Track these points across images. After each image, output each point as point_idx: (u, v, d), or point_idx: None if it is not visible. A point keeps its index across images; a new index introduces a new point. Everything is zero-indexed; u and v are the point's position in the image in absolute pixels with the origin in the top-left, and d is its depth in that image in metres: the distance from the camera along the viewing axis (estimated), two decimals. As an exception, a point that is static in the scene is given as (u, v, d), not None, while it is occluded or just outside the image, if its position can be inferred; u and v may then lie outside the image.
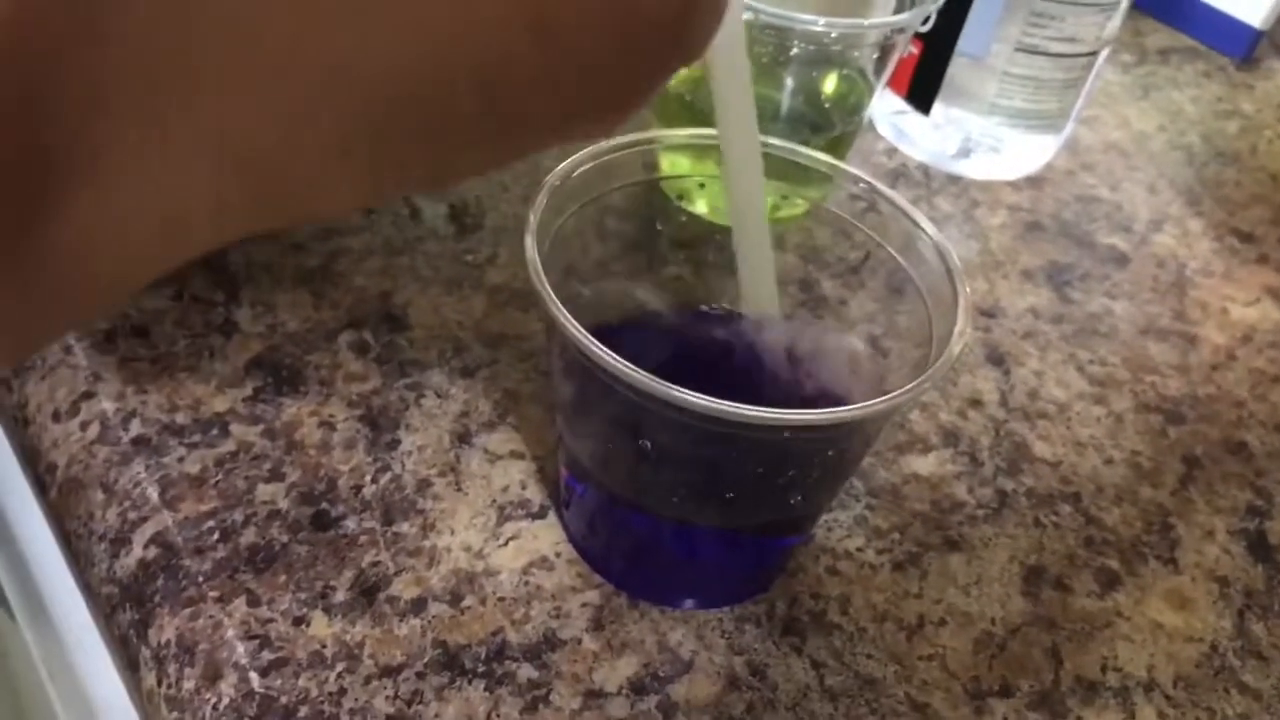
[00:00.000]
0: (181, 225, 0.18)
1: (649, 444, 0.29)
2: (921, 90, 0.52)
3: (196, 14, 0.16)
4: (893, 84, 0.53)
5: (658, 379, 0.25)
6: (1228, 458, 0.41)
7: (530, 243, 0.29)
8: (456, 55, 0.18)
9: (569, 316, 0.27)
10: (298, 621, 0.31)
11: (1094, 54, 0.50)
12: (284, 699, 0.29)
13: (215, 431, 0.35)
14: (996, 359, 0.44)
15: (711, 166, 0.36)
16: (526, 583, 0.33)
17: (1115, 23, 0.49)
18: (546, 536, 0.34)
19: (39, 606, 0.50)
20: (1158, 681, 0.34)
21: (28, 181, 0.16)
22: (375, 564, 0.33)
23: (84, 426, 0.35)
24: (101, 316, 0.37)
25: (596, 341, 0.26)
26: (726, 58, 0.28)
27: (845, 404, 0.32)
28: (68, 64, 0.15)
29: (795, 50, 0.44)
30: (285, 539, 0.33)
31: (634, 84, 0.21)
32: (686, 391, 0.25)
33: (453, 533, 0.34)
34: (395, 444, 0.36)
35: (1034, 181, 0.54)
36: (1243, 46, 0.66)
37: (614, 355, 0.26)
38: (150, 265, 0.19)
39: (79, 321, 0.20)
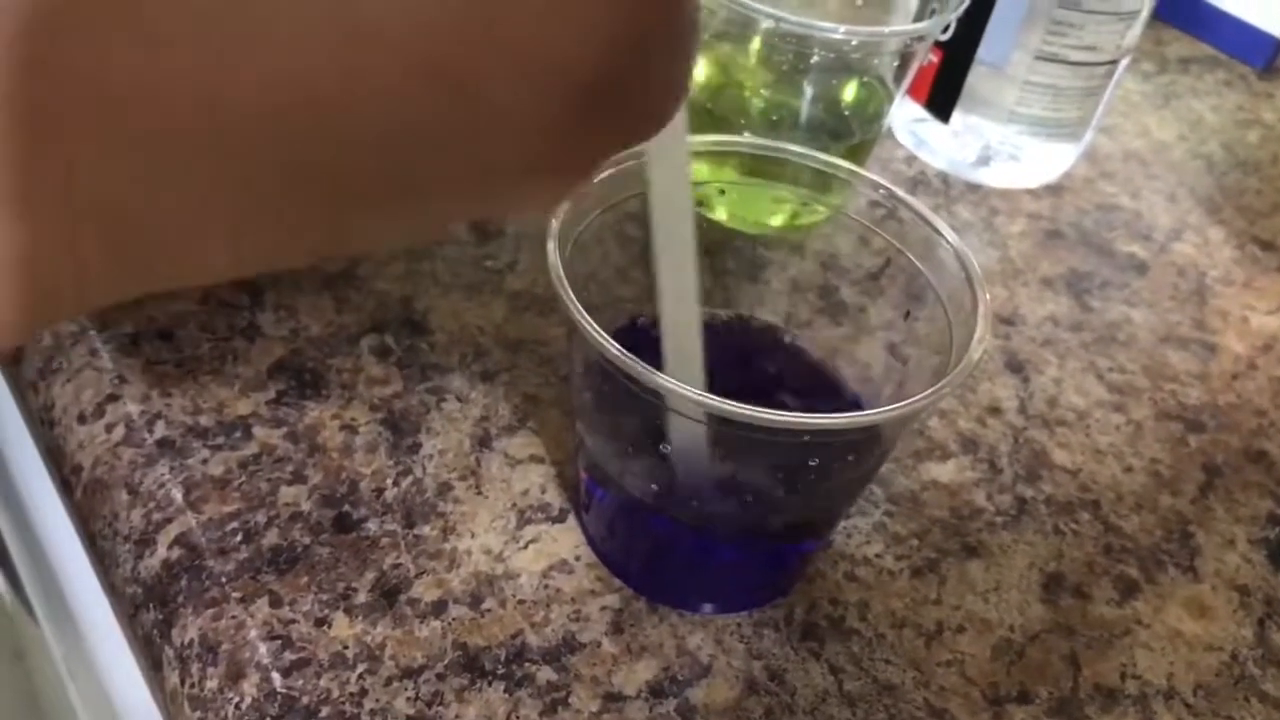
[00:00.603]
0: (39, 286, 0.16)
1: (669, 448, 0.30)
2: (941, 98, 0.52)
3: (39, 51, 0.14)
4: (912, 92, 0.53)
5: (678, 382, 0.26)
6: (1248, 466, 0.41)
7: (552, 247, 0.29)
8: (347, 106, 0.16)
9: (590, 321, 0.27)
10: (319, 622, 0.31)
11: (1114, 63, 0.50)
12: (306, 699, 0.30)
13: (239, 434, 0.36)
14: (1016, 366, 0.44)
15: (730, 173, 0.36)
16: (546, 586, 0.33)
17: (1135, 31, 0.49)
18: (566, 540, 0.34)
19: (62, 607, 0.50)
20: (1177, 690, 0.34)
21: None
22: (396, 566, 0.33)
23: (109, 428, 0.36)
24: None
25: (618, 345, 0.26)
26: (668, 159, 0.26)
27: (865, 409, 0.32)
28: None
29: (815, 58, 0.44)
30: (307, 541, 0.33)
31: (569, 153, 0.19)
32: (707, 395, 0.25)
33: (473, 536, 0.34)
34: (416, 447, 0.36)
35: (1053, 190, 0.54)
36: (1264, 56, 0.66)
37: (635, 359, 0.26)
38: (13, 330, 0.17)
39: None
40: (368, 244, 0.20)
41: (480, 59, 0.17)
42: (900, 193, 0.33)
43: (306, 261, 0.18)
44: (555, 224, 0.29)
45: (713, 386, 0.26)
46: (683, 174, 0.27)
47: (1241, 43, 0.67)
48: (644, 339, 0.32)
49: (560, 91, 0.18)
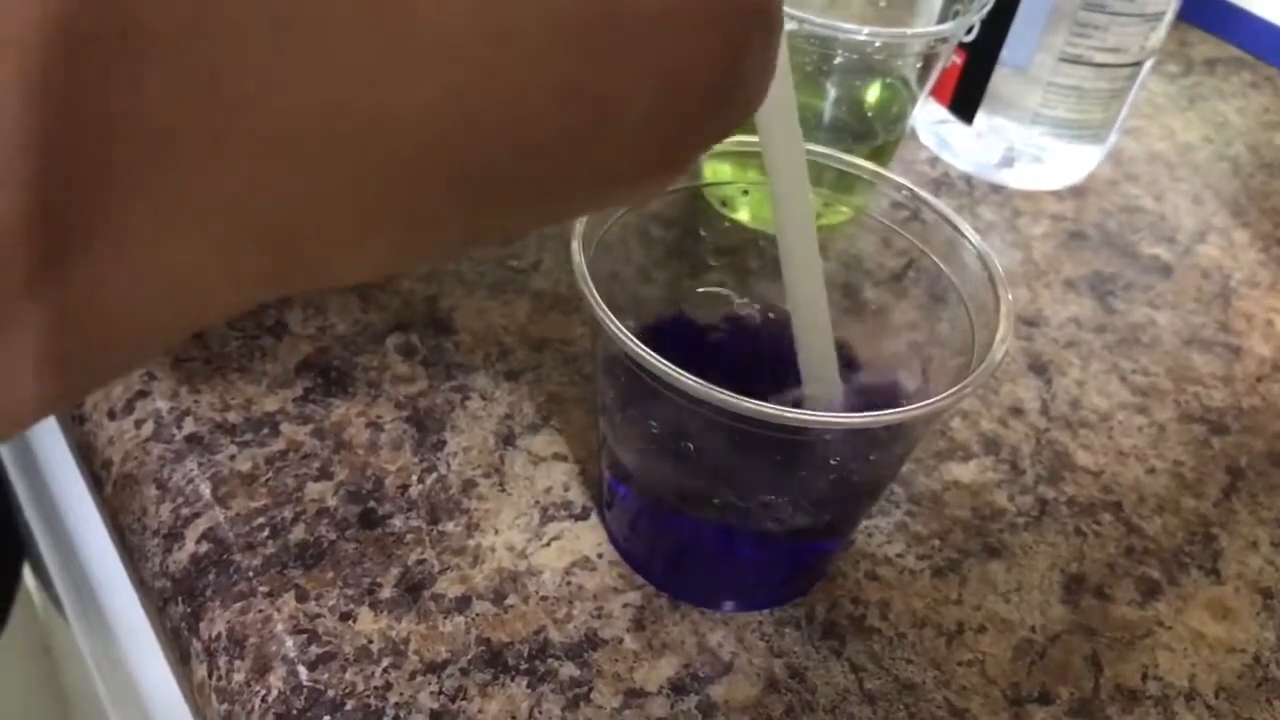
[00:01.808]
0: (196, 291, 0.17)
1: (691, 446, 0.30)
2: (965, 100, 0.52)
3: (214, 71, 0.15)
4: (936, 93, 0.53)
5: (701, 381, 0.26)
6: (1272, 469, 0.41)
7: (577, 247, 0.29)
8: (493, 118, 0.17)
9: (614, 320, 0.27)
10: (345, 617, 0.32)
11: (1138, 64, 0.50)
12: (331, 692, 0.30)
13: (266, 430, 0.36)
14: (1039, 368, 0.44)
15: (754, 173, 0.36)
16: (569, 583, 0.33)
17: (1160, 33, 0.49)
18: (589, 537, 0.35)
19: (91, 601, 0.51)
20: (1199, 691, 0.34)
21: (34, 240, 0.14)
22: (421, 562, 0.33)
23: (138, 424, 0.36)
24: (117, 380, 0.37)
25: (641, 344, 0.27)
26: (777, 120, 0.27)
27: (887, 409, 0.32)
28: (84, 110, 0.14)
29: (839, 59, 0.44)
30: (333, 536, 0.34)
31: (679, 146, 0.20)
32: (730, 394, 0.26)
33: (496, 532, 0.34)
34: (441, 445, 0.37)
35: (1077, 191, 0.54)
36: (1290, 57, 0.66)
37: (658, 357, 0.26)
38: (165, 330, 0.17)
39: (91, 386, 0.18)
40: (492, 239, 0.21)
41: (610, 70, 0.18)
42: (923, 193, 0.33)
43: (443, 261, 0.19)
44: (579, 225, 0.30)
45: (734, 383, 0.26)
46: (794, 123, 0.28)
47: (1268, 44, 0.67)
48: (667, 338, 0.32)
49: (679, 96, 0.19)
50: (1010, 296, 0.30)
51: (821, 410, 0.30)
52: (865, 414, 0.27)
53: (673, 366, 0.26)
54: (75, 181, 0.14)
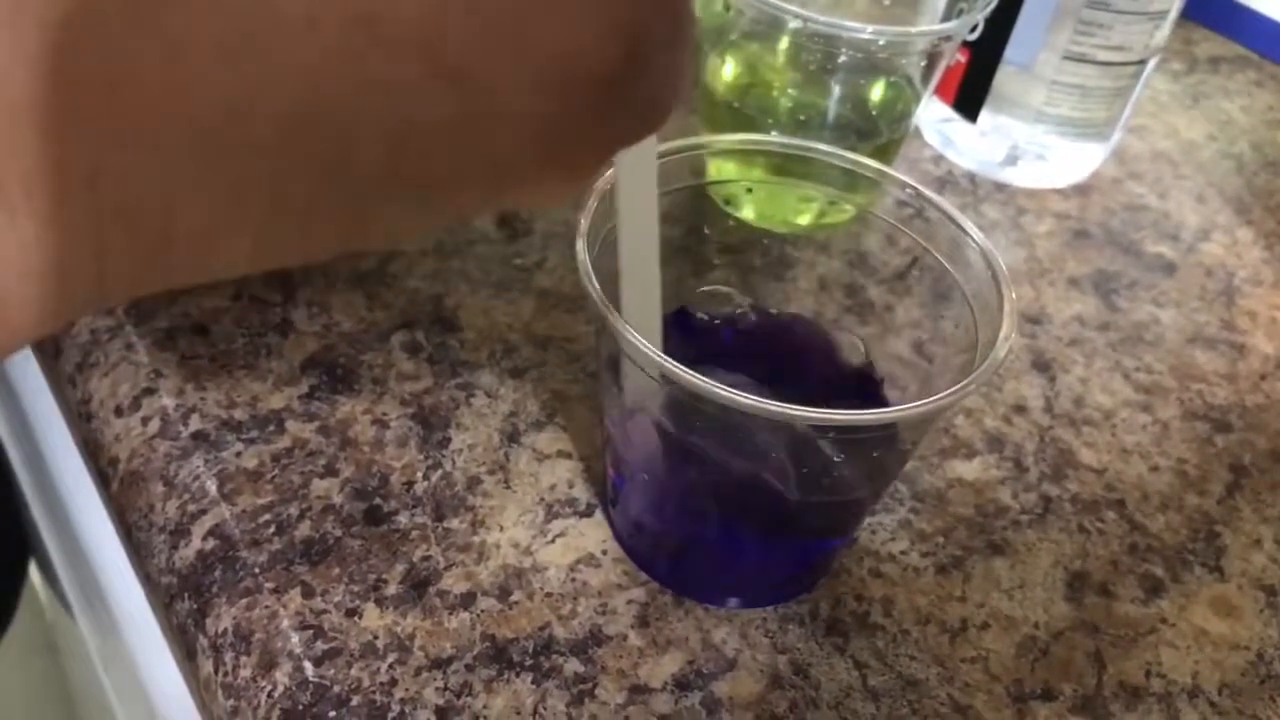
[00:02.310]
0: (59, 282, 0.16)
1: (695, 442, 0.30)
2: (969, 98, 0.52)
3: (67, 61, 0.15)
4: (940, 92, 0.53)
5: (704, 378, 0.26)
6: (1275, 467, 0.41)
7: (581, 245, 0.29)
8: (358, 104, 0.17)
9: (618, 317, 0.27)
10: (351, 613, 0.32)
11: (1142, 62, 0.50)
12: (337, 688, 0.30)
13: (272, 428, 0.36)
14: (1042, 366, 0.44)
15: (759, 172, 0.36)
16: (573, 579, 0.34)
17: (1164, 31, 0.49)
18: (593, 534, 0.35)
19: (98, 597, 0.51)
20: (1202, 688, 0.34)
21: None
22: (426, 558, 0.33)
23: (145, 422, 0.36)
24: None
25: (645, 341, 0.27)
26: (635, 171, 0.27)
27: (892, 404, 0.32)
28: None
29: (843, 58, 0.44)
30: (339, 533, 0.34)
31: (576, 145, 0.20)
32: (733, 391, 0.26)
33: (501, 529, 0.35)
34: (446, 442, 0.37)
35: (1081, 190, 0.54)
36: (1295, 55, 0.66)
37: (662, 355, 0.26)
38: (23, 329, 0.17)
39: None
40: (387, 237, 0.20)
41: (489, 56, 0.17)
42: (927, 192, 0.33)
43: (327, 256, 0.18)
44: (584, 223, 0.30)
45: (738, 379, 0.26)
46: (651, 182, 0.27)
47: (1272, 42, 0.66)
48: (671, 334, 0.32)
49: (567, 87, 0.18)
50: (1014, 294, 0.30)
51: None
52: (867, 410, 0.27)
53: (676, 363, 0.26)
54: None
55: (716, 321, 0.36)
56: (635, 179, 0.27)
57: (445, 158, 0.18)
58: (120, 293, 0.18)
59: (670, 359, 0.26)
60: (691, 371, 0.26)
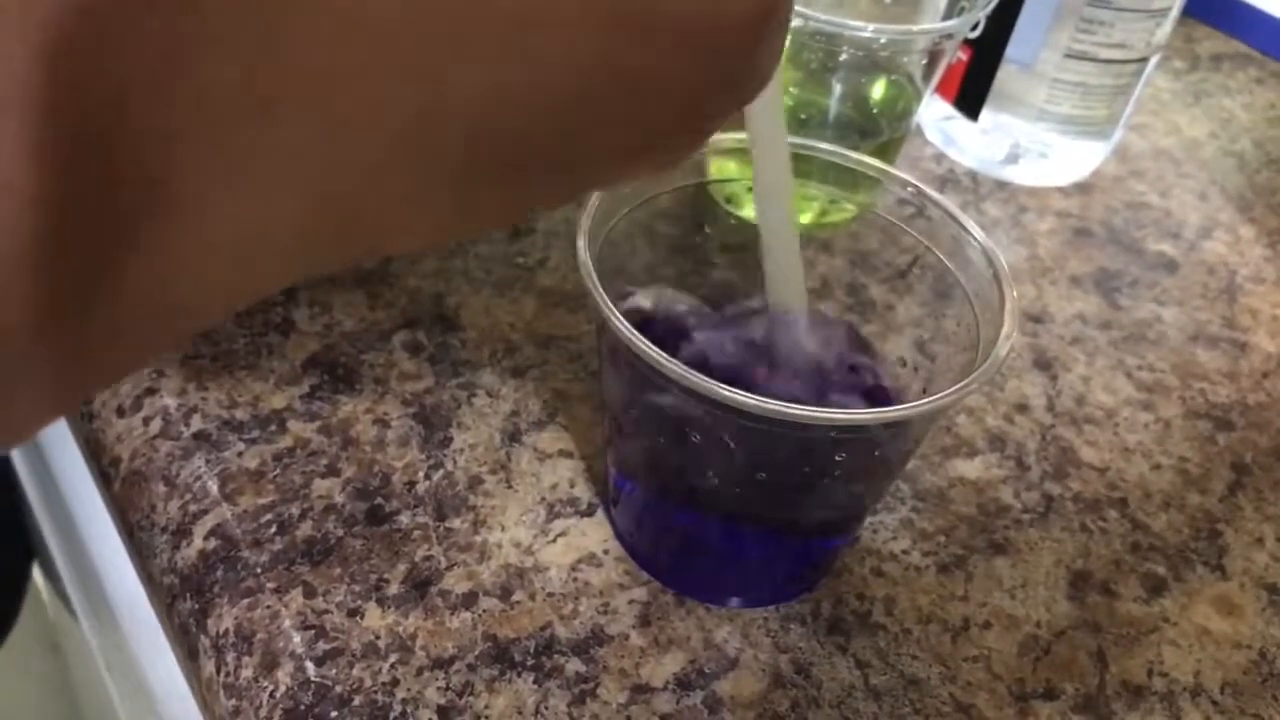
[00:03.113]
0: (260, 259, 0.18)
1: (696, 442, 0.30)
2: (970, 96, 0.52)
3: (284, 49, 0.16)
4: (941, 90, 0.53)
5: (706, 378, 0.26)
6: (1277, 465, 0.41)
7: (583, 245, 0.29)
8: (537, 95, 0.18)
9: (620, 317, 0.27)
10: (352, 613, 0.32)
11: (1144, 60, 0.50)
12: (338, 688, 0.30)
13: (273, 427, 0.36)
14: (1044, 364, 0.44)
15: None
16: (575, 579, 0.34)
17: (1166, 29, 0.49)
18: (595, 534, 0.35)
19: (100, 597, 0.51)
20: (1205, 687, 0.34)
21: (106, 215, 0.15)
22: (428, 558, 0.33)
23: (146, 422, 0.36)
24: (176, 349, 0.38)
25: (647, 341, 0.27)
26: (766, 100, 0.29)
27: (893, 403, 0.32)
28: (147, 80, 0.15)
29: (844, 56, 0.44)
30: (340, 533, 0.34)
31: (704, 116, 0.21)
32: (734, 390, 0.26)
33: (503, 529, 0.35)
34: (448, 441, 0.37)
35: (1083, 188, 0.54)
36: (1297, 53, 0.66)
37: (664, 355, 0.26)
38: (227, 300, 0.18)
39: (153, 355, 0.19)
40: (530, 211, 0.22)
41: (643, 37, 0.18)
42: (928, 190, 0.33)
43: (487, 229, 0.21)
44: (586, 221, 0.30)
45: (740, 379, 0.26)
46: (780, 117, 0.29)
47: (1274, 40, 0.66)
48: (672, 333, 0.32)
49: (705, 63, 0.20)
50: (1015, 293, 0.30)
51: (785, 323, 0.31)
52: (868, 410, 0.27)
53: (677, 362, 0.26)
54: (143, 145, 0.15)
55: (714, 318, 0.36)
56: (766, 131, 0.29)
57: (599, 137, 0.20)
58: (307, 270, 0.19)
59: (670, 357, 0.26)
60: (691, 370, 0.26)
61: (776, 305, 0.32)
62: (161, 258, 0.16)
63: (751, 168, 0.30)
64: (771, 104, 0.29)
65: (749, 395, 0.25)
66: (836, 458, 0.30)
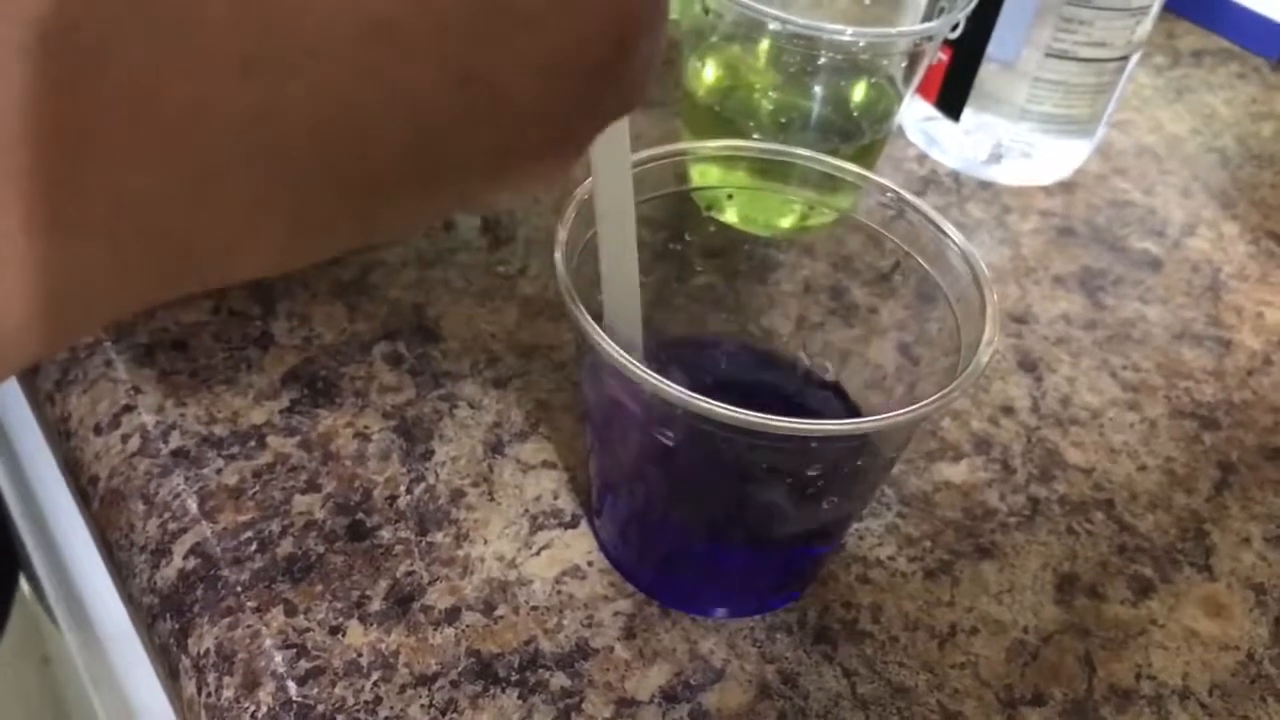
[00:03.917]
0: (76, 298, 0.16)
1: (677, 453, 0.30)
2: (951, 97, 0.52)
3: (83, 72, 0.15)
4: (922, 91, 0.53)
5: (685, 390, 0.26)
6: (1264, 464, 0.41)
7: (559, 258, 0.29)
8: (379, 111, 0.17)
9: (599, 330, 0.27)
10: (334, 631, 0.32)
11: (1125, 58, 0.50)
12: (321, 707, 0.30)
13: (253, 443, 0.36)
14: (1029, 365, 0.43)
15: (741, 177, 0.36)
16: (559, 592, 0.33)
17: (1146, 27, 0.49)
18: (578, 545, 0.35)
19: (83, 616, 0.51)
20: (1193, 690, 0.34)
21: None
22: (410, 573, 0.33)
23: (124, 439, 0.36)
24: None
25: (626, 354, 0.26)
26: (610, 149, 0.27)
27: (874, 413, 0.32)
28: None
29: (823, 59, 0.44)
30: (321, 549, 0.33)
31: (572, 133, 0.21)
32: (714, 402, 0.25)
33: (486, 542, 0.34)
34: (429, 454, 0.36)
35: (1066, 186, 0.54)
36: (1277, 47, 0.66)
37: (641, 365, 0.26)
38: (42, 343, 0.17)
39: None
40: (387, 234, 0.21)
41: (498, 54, 0.18)
42: (907, 195, 0.33)
43: (333, 255, 0.19)
44: (562, 233, 0.29)
45: (722, 390, 0.26)
46: (627, 158, 0.28)
47: (1255, 35, 0.66)
48: (653, 344, 0.32)
49: (568, 76, 0.19)
50: (996, 298, 0.30)
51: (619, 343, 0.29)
52: (848, 421, 0.26)
53: (656, 375, 0.26)
54: None
55: (696, 330, 0.36)
56: (612, 181, 0.28)
57: (456, 155, 0.19)
58: (137, 305, 0.18)
59: (649, 369, 0.26)
60: (670, 382, 0.26)
61: (610, 329, 0.30)
62: None
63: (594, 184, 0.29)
64: (617, 127, 0.27)
65: (725, 406, 0.25)
66: (818, 467, 0.30)
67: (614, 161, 0.28)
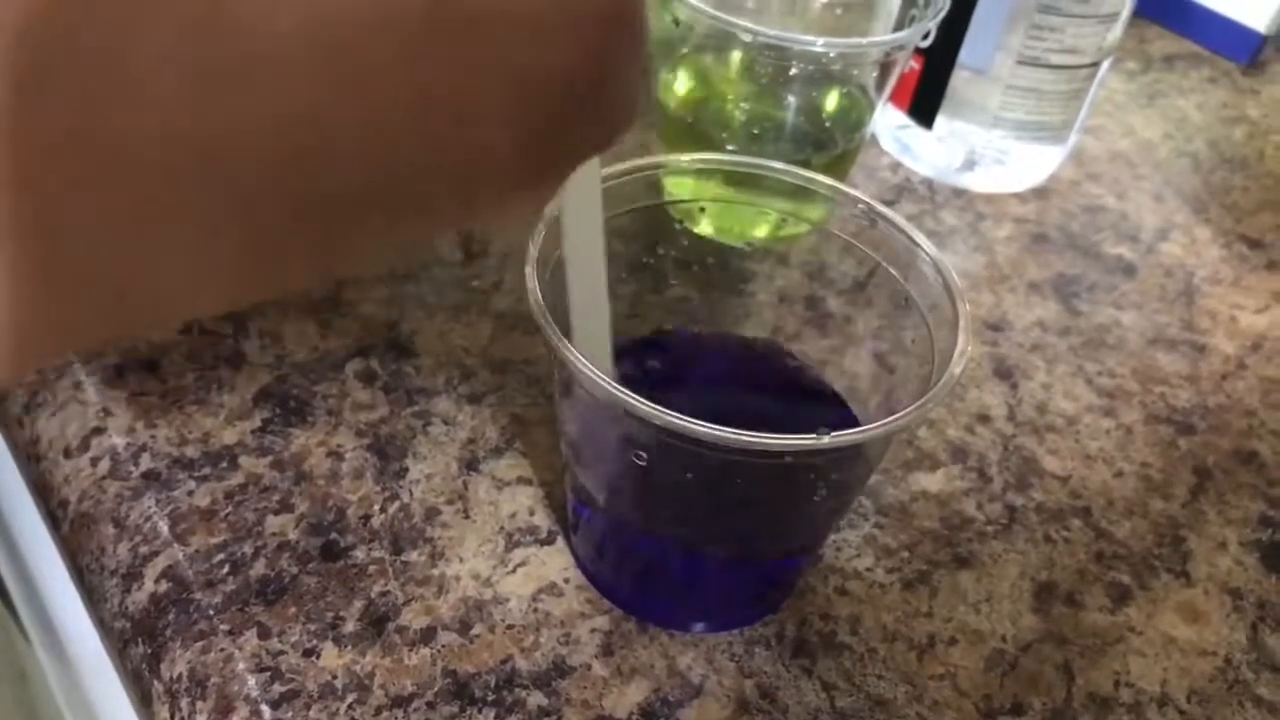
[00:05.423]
0: (23, 346, 0.16)
1: (652, 468, 0.29)
2: (924, 105, 0.52)
3: (18, 106, 0.14)
4: (895, 99, 0.53)
5: (658, 406, 0.25)
6: (1239, 468, 0.41)
7: (531, 272, 0.29)
8: (338, 135, 0.16)
9: (570, 347, 0.27)
10: (308, 653, 0.31)
11: (1096, 64, 0.50)
12: (295, 731, 0.30)
13: (224, 464, 0.36)
14: (1004, 373, 0.43)
15: (715, 189, 0.36)
16: (535, 609, 0.33)
17: (1116, 33, 0.49)
18: (555, 562, 0.34)
19: (56, 640, 0.50)
20: (1171, 696, 0.34)
21: None
22: (384, 594, 0.33)
23: (94, 462, 0.36)
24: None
25: (598, 371, 0.26)
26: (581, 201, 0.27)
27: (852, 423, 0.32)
28: None
29: (795, 70, 0.44)
30: (295, 570, 0.33)
31: (546, 158, 0.20)
32: (687, 419, 0.25)
33: (461, 561, 0.34)
34: (403, 472, 0.36)
35: (1040, 193, 0.54)
36: (1247, 51, 0.66)
37: (612, 382, 0.26)
38: None
39: None
40: (353, 265, 0.20)
41: (468, 85, 0.17)
42: (878, 206, 0.33)
43: (295, 288, 0.18)
44: (533, 249, 0.29)
45: (696, 404, 0.26)
46: (597, 209, 0.27)
47: (1225, 39, 0.67)
48: (624, 359, 0.31)
49: (542, 108, 0.18)
50: (968, 308, 0.30)
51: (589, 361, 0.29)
52: (827, 435, 0.26)
53: (626, 390, 0.26)
54: None
55: (667, 345, 0.36)
56: (580, 206, 0.27)
57: (423, 182, 0.18)
58: (80, 346, 0.17)
59: (620, 385, 0.26)
60: (640, 398, 0.26)
61: (581, 347, 0.29)
62: None
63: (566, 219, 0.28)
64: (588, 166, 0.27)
65: (699, 422, 0.25)
66: (793, 481, 0.30)
67: (583, 194, 0.27)
